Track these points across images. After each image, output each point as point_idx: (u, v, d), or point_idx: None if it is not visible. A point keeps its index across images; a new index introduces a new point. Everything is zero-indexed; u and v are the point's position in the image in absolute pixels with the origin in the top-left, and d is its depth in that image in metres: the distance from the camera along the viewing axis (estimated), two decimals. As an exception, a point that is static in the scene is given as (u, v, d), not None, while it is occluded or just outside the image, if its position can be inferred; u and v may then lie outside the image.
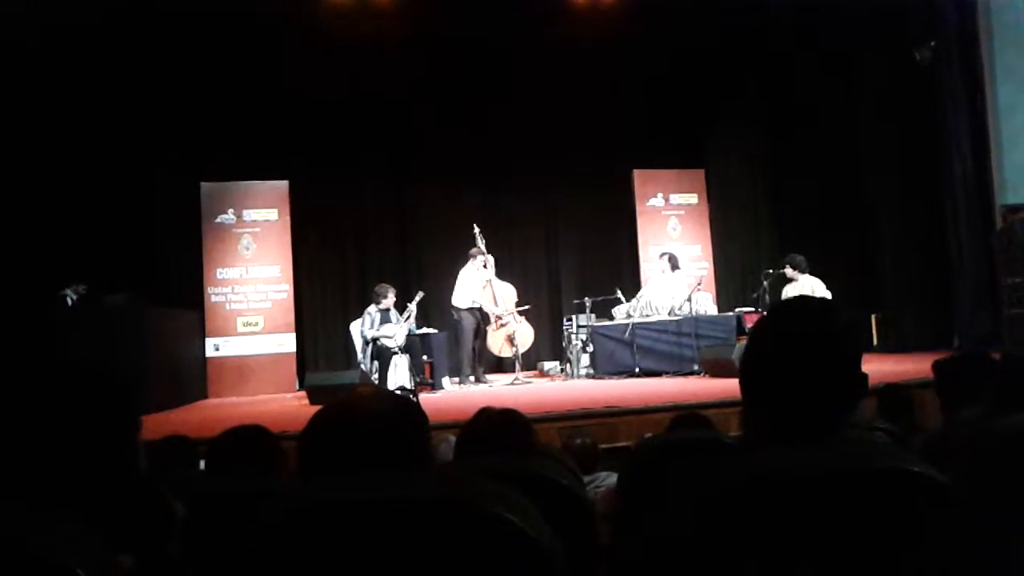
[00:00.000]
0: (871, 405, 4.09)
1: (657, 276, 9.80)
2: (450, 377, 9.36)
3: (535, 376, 10.02)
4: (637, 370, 8.73)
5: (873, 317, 10.26)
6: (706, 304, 9.34)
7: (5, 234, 8.64)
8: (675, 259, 9.60)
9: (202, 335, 10.10)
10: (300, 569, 1.03)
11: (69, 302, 8.89)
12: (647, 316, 9.14)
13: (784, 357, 1.28)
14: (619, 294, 9.51)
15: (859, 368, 1.30)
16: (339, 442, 1.26)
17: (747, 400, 1.32)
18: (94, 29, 8.75)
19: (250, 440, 2.33)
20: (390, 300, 8.75)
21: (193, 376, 9.71)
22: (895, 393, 4.04)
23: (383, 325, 8.62)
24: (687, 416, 3.58)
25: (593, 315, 9.41)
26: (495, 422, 2.25)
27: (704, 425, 3.26)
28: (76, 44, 8.84)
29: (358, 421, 1.28)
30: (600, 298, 9.52)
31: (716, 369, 7.93)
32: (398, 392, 6.40)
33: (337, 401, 1.34)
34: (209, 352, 10.13)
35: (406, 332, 8.68)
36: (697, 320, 8.69)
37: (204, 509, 1.49)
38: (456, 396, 8.09)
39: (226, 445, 2.32)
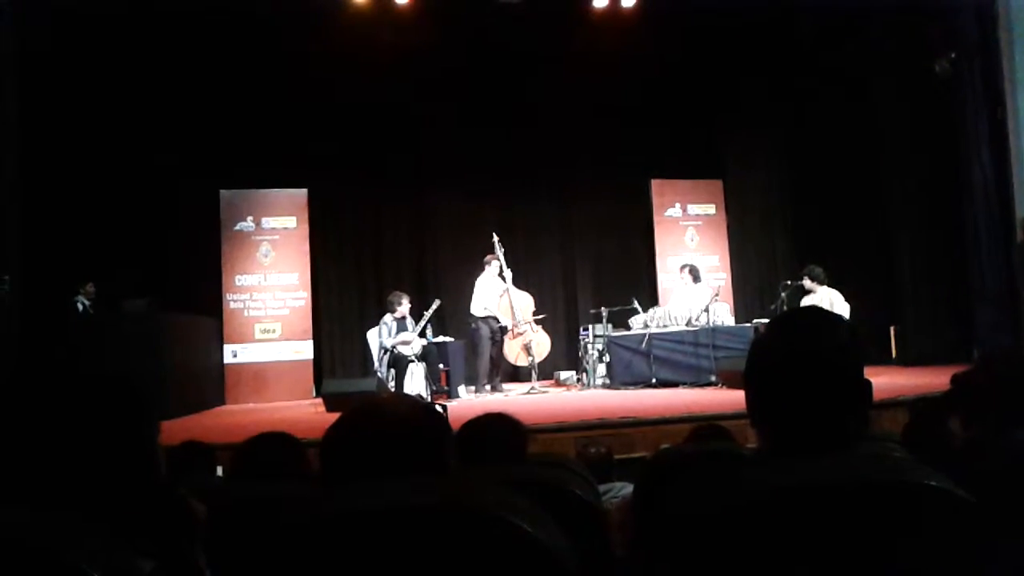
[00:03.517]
0: (903, 417, 4.03)
1: (680, 288, 9.77)
2: (466, 386, 9.36)
3: (551, 385, 10.01)
4: (654, 380, 8.69)
5: (892, 329, 10.18)
6: (723, 315, 9.30)
7: (25, 238, 8.71)
8: (696, 270, 9.57)
9: (220, 342, 10.18)
10: None
11: (80, 308, 8.94)
12: (664, 326, 9.10)
13: (784, 371, 1.27)
14: (636, 304, 9.48)
15: (862, 378, 1.29)
16: (361, 447, 1.26)
17: (752, 414, 1.32)
18: (114, 36, 8.84)
19: (277, 446, 2.35)
20: (405, 308, 8.74)
21: (211, 382, 9.77)
22: (928, 406, 3.96)
23: (399, 333, 8.64)
24: (706, 427, 3.55)
25: (610, 325, 9.37)
26: (483, 429, 2.25)
27: (723, 437, 3.24)
28: (94, 50, 8.92)
29: (380, 426, 1.28)
30: (617, 308, 9.50)
31: (733, 380, 7.87)
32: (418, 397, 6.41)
33: (359, 405, 1.33)
34: (227, 359, 10.20)
35: (421, 340, 8.68)
36: (715, 331, 8.65)
37: (226, 516, 1.50)
38: (472, 405, 8.08)
39: (253, 451, 2.34)
